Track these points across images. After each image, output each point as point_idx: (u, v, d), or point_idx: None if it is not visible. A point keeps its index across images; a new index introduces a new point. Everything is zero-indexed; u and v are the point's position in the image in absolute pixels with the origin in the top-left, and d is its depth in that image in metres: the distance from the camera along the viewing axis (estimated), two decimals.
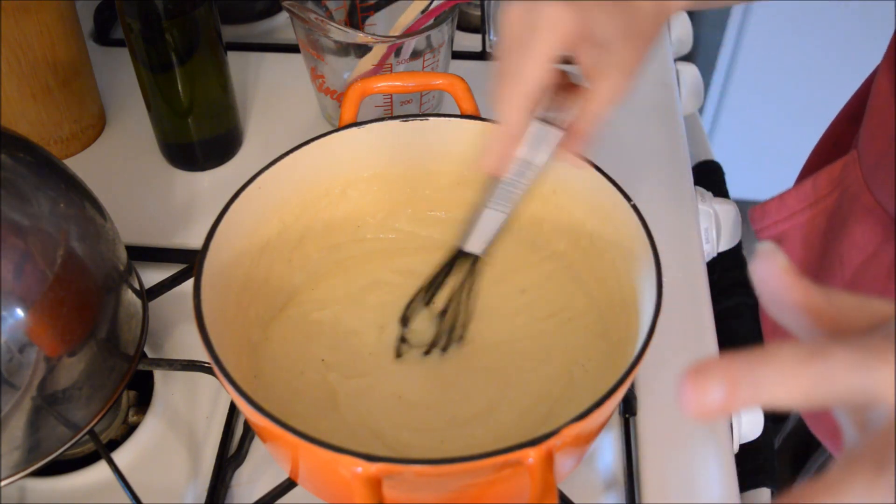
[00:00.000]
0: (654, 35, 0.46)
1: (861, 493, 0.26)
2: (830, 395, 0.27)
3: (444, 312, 0.57)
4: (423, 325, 0.58)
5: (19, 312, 0.46)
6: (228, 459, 0.56)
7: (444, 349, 0.57)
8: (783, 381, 0.27)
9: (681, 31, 0.96)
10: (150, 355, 0.63)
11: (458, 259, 0.54)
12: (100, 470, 0.57)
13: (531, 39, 0.44)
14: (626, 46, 0.44)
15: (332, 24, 0.68)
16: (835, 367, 0.27)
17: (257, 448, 0.58)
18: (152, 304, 0.62)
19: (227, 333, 0.52)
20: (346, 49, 0.72)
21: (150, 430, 0.59)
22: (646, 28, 0.45)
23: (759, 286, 0.32)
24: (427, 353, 0.57)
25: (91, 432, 0.53)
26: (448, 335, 0.57)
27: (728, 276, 0.82)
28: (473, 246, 0.53)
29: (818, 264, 0.62)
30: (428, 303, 0.58)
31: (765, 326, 0.72)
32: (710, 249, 0.74)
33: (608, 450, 0.57)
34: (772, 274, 0.32)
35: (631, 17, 0.44)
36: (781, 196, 0.65)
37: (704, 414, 0.28)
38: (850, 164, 0.60)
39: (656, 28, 0.46)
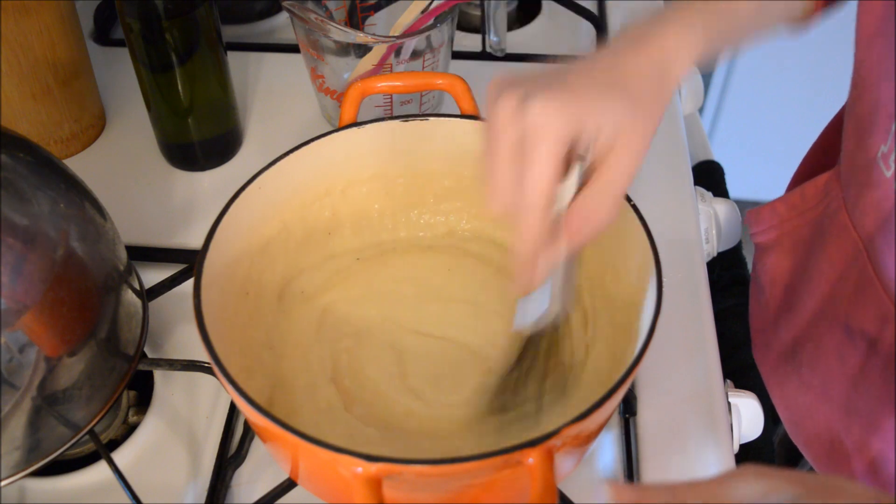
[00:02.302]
0: (662, 100, 0.44)
1: None
2: None
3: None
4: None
5: (19, 312, 0.46)
6: (228, 459, 0.56)
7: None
8: None
9: None
10: (150, 355, 0.63)
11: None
12: (100, 470, 0.57)
13: (530, 154, 0.41)
14: (635, 126, 0.42)
15: (332, 24, 0.68)
16: None
17: (257, 448, 0.58)
18: (152, 304, 0.62)
19: (227, 333, 0.52)
20: (346, 49, 0.72)
21: (150, 430, 0.59)
22: (649, 98, 0.43)
23: None
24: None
25: (91, 432, 0.53)
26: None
27: (728, 276, 0.83)
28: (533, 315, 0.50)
29: (803, 276, 0.63)
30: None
31: (753, 325, 0.72)
32: (710, 249, 0.74)
33: (608, 450, 0.57)
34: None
35: (631, 90, 0.42)
36: (773, 203, 0.65)
37: None
38: (833, 179, 0.60)
39: (662, 93, 0.44)
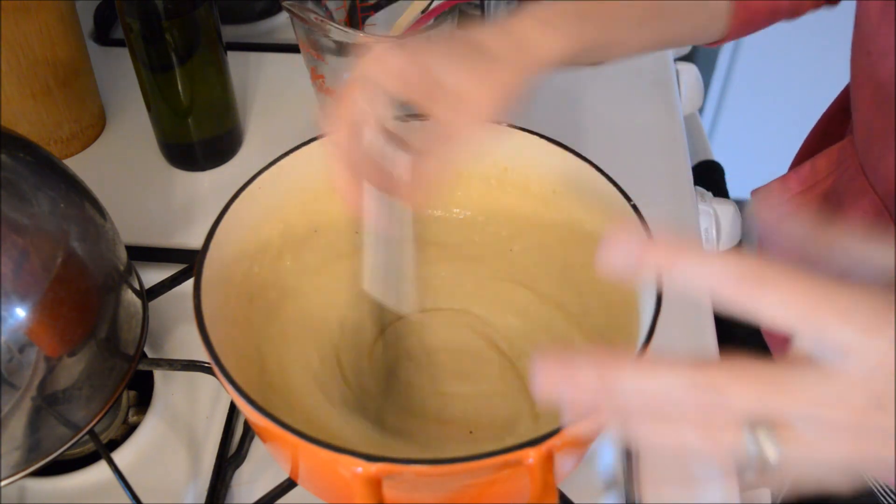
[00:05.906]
0: (515, 85, 0.45)
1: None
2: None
3: None
4: None
5: (19, 312, 0.46)
6: (228, 459, 0.56)
7: None
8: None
9: None
10: (150, 355, 0.63)
11: None
12: (100, 470, 0.57)
13: (364, 77, 0.45)
14: (481, 93, 0.44)
15: (332, 24, 0.68)
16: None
17: (257, 448, 0.58)
18: (152, 304, 0.62)
19: (228, 333, 0.52)
20: (346, 49, 0.72)
21: (150, 430, 0.59)
22: (504, 77, 0.44)
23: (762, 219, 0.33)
24: None
25: (91, 432, 0.53)
26: None
27: None
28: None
29: None
30: None
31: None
32: (710, 249, 0.74)
33: (608, 450, 0.57)
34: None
35: (483, 64, 0.44)
36: (783, 178, 0.66)
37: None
38: (847, 147, 0.61)
39: (517, 79, 0.45)
